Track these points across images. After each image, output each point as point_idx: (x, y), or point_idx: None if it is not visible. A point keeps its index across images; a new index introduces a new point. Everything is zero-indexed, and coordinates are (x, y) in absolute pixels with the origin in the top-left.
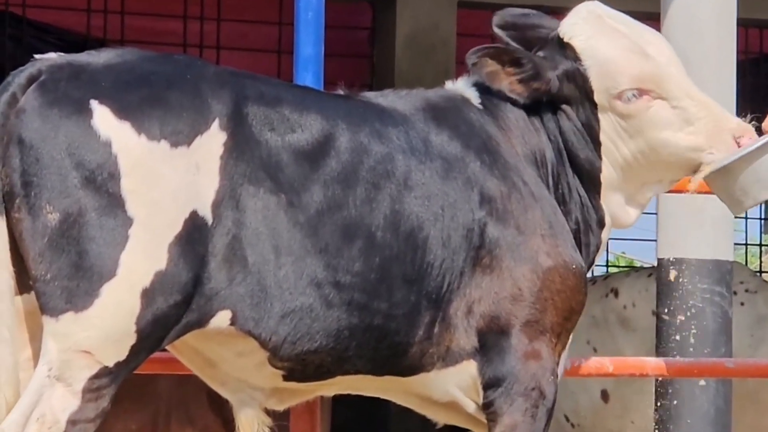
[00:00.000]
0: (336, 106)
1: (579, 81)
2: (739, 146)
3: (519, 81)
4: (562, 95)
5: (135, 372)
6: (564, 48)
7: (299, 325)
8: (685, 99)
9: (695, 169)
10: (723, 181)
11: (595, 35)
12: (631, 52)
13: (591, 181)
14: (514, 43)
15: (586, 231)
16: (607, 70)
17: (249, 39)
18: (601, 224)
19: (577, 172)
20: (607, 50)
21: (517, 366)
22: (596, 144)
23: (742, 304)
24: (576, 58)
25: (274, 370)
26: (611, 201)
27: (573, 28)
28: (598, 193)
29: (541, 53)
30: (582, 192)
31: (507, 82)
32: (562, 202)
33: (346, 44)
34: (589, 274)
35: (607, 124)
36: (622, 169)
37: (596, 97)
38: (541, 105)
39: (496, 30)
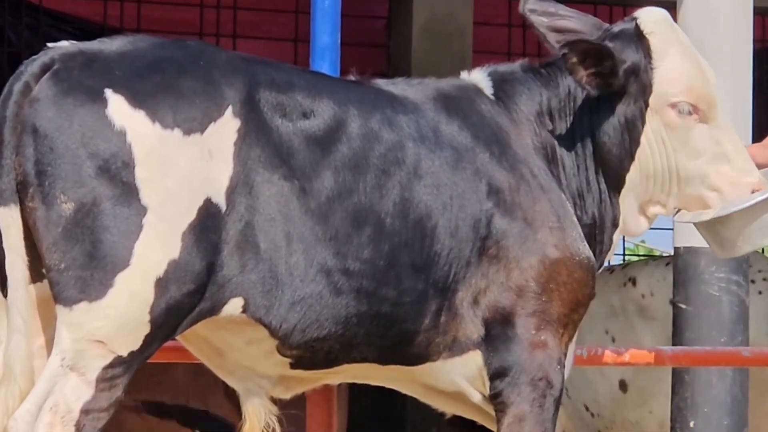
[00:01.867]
0: (347, 92)
1: (643, 77)
2: None
3: (595, 75)
4: (620, 84)
5: (151, 361)
6: (639, 41)
7: (309, 313)
8: (724, 135)
9: (699, 207)
10: (720, 227)
11: (670, 40)
12: (697, 69)
13: (615, 178)
14: (544, 25)
15: (601, 228)
16: (673, 77)
17: (265, 28)
18: (615, 224)
19: (604, 167)
20: (677, 58)
21: (523, 355)
22: (633, 144)
23: (759, 293)
24: (648, 55)
25: (282, 358)
26: (627, 204)
27: (653, 25)
28: (619, 192)
29: (612, 43)
30: (603, 187)
31: (584, 75)
32: (578, 196)
33: (362, 33)
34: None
35: (651, 128)
36: (647, 176)
37: (652, 99)
38: (573, 94)
39: (528, 14)
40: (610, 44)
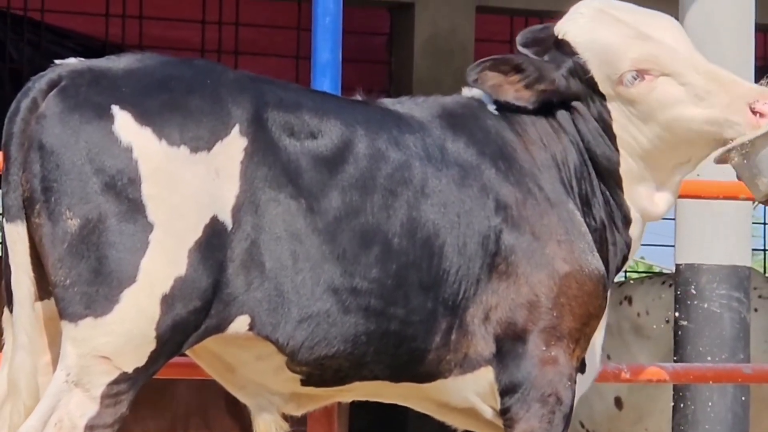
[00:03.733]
0: (354, 113)
1: (581, 74)
2: (754, 112)
3: (524, 87)
4: (571, 93)
5: (154, 377)
6: (561, 46)
7: (316, 331)
8: (691, 74)
9: (720, 144)
10: (748, 162)
11: (589, 27)
12: (628, 36)
13: (611, 177)
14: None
15: (612, 230)
16: (605, 58)
17: (267, 44)
18: (627, 221)
19: (597, 171)
20: (602, 39)
21: (533, 372)
22: (611, 137)
23: (756, 310)
24: (573, 53)
25: (292, 374)
26: (635, 194)
27: (567, 24)
28: (620, 188)
29: (545, 57)
30: (604, 190)
31: (512, 91)
32: (585, 203)
33: (364, 50)
34: (621, 274)
35: (618, 114)
36: (642, 158)
37: (601, 88)
38: (555, 108)
39: (521, 49)
40: (544, 58)
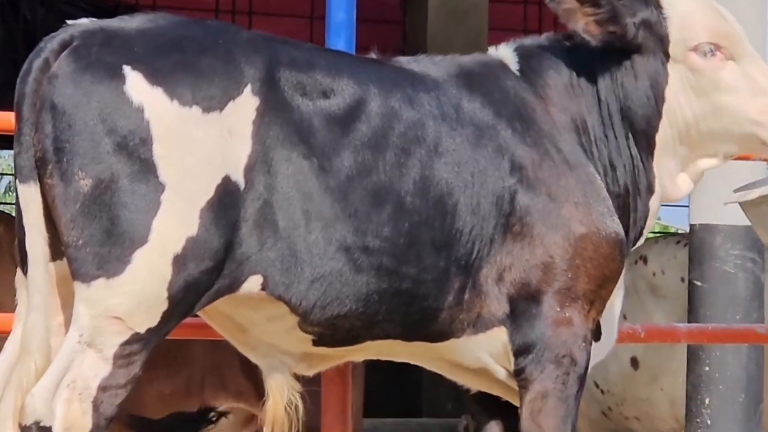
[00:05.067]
0: (368, 71)
1: (657, 29)
2: None
3: (595, 22)
4: (636, 43)
5: (168, 337)
6: None
7: (329, 290)
8: (755, 69)
9: (752, 147)
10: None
11: None
12: (713, 11)
13: (646, 141)
14: None
15: (635, 195)
16: (688, 22)
17: (281, 5)
18: (651, 190)
19: (633, 131)
20: (688, 3)
21: (547, 333)
22: (659, 100)
23: None
24: (658, 6)
25: (304, 334)
26: (663, 167)
27: None
28: (651, 155)
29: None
30: (634, 152)
31: (583, 22)
32: (610, 166)
33: (378, 10)
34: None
35: (675, 79)
36: (680, 132)
37: (671, 48)
38: (598, 61)
39: None
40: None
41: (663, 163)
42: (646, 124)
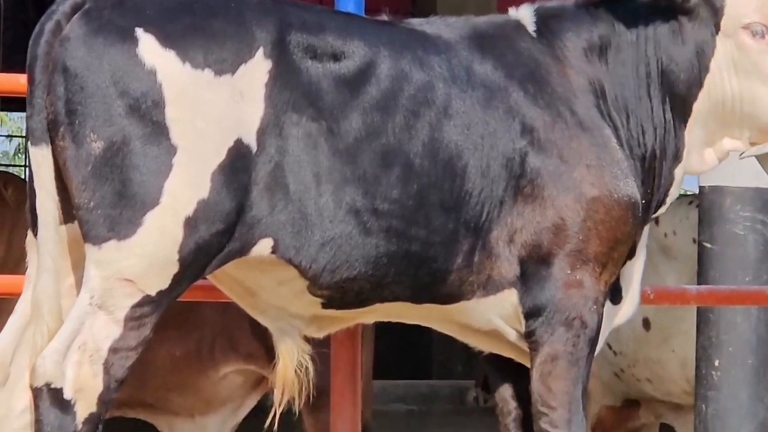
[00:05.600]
0: (378, 33)
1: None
2: None
3: None
4: (686, 8)
5: (178, 299)
6: None
7: (338, 253)
8: None
9: None
10: None
11: None
12: None
13: (682, 108)
14: None
15: (661, 160)
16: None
17: None
18: (678, 157)
19: (671, 95)
20: None
21: (557, 295)
22: (703, 70)
23: None
24: None
25: (313, 298)
26: (694, 136)
27: None
28: (685, 122)
29: None
30: (668, 116)
31: None
32: (636, 128)
33: None
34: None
35: (722, 53)
36: (716, 106)
37: (724, 21)
38: (635, 23)
39: None
40: None
41: (694, 133)
42: (686, 90)
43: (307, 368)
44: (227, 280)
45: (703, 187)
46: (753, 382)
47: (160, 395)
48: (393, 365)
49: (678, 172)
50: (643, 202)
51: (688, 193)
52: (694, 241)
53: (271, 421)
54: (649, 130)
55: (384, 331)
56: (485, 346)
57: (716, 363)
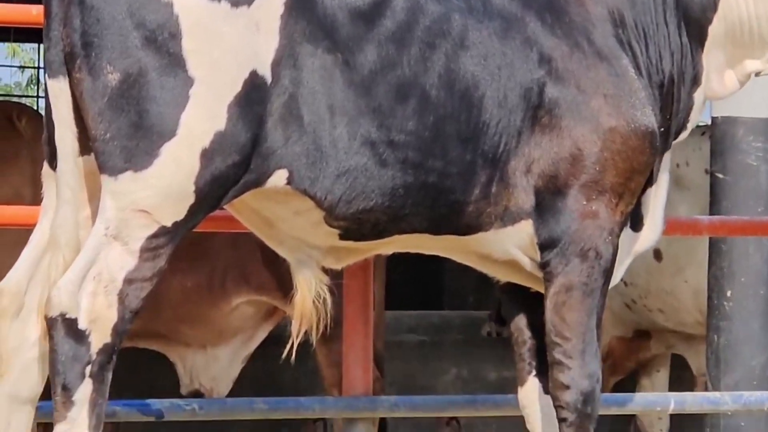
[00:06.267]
0: None
1: None
2: None
3: None
4: None
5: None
6: None
7: (354, 185)
8: None
9: None
10: None
11: None
12: None
13: (697, 31)
14: None
15: (679, 85)
16: None
17: None
18: (696, 81)
19: (686, 19)
20: None
21: (573, 226)
22: None
23: None
24: None
25: (330, 229)
26: (711, 61)
27: None
28: (701, 46)
29: None
30: (684, 41)
31: None
32: (654, 55)
33: None
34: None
35: None
36: (733, 28)
37: None
38: None
39: None
40: None
41: (712, 56)
42: (701, 13)
43: (324, 299)
44: (245, 211)
45: (716, 117)
46: (765, 312)
47: (172, 326)
48: (405, 296)
49: (697, 96)
50: (662, 129)
51: (701, 124)
52: (706, 171)
53: (288, 352)
54: (667, 55)
55: (396, 261)
56: (503, 276)
57: (728, 293)
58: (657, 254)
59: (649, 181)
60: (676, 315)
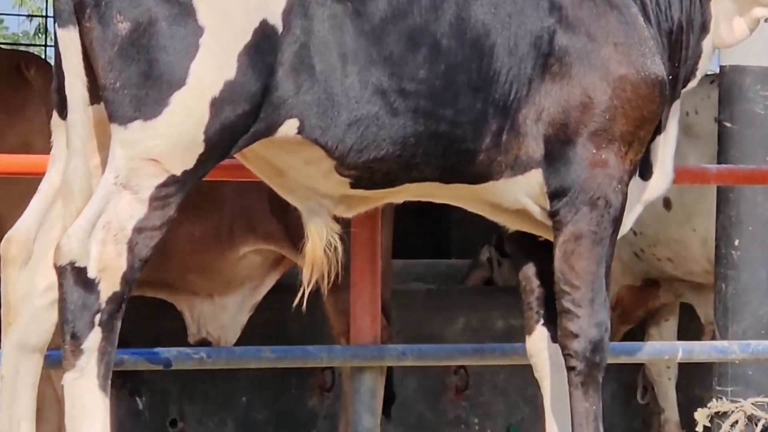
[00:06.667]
0: None
1: None
2: None
3: None
4: None
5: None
6: None
7: (365, 133)
8: None
9: None
10: None
11: None
12: None
13: None
14: None
15: (688, 32)
16: None
17: None
18: (705, 29)
19: None
20: None
21: (582, 175)
22: None
23: None
24: None
25: (341, 177)
26: (719, 7)
27: None
28: None
29: None
30: None
31: None
32: (664, 5)
33: None
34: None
35: None
36: None
37: None
38: None
39: None
40: None
41: (720, 4)
42: None
43: (335, 248)
44: (256, 160)
45: (724, 66)
46: None
47: (180, 275)
48: (412, 244)
49: (706, 44)
50: (670, 77)
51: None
52: (715, 120)
53: (299, 300)
54: (675, 3)
55: (403, 210)
56: (514, 224)
57: (736, 242)
58: (666, 203)
59: (658, 130)
60: (684, 264)
